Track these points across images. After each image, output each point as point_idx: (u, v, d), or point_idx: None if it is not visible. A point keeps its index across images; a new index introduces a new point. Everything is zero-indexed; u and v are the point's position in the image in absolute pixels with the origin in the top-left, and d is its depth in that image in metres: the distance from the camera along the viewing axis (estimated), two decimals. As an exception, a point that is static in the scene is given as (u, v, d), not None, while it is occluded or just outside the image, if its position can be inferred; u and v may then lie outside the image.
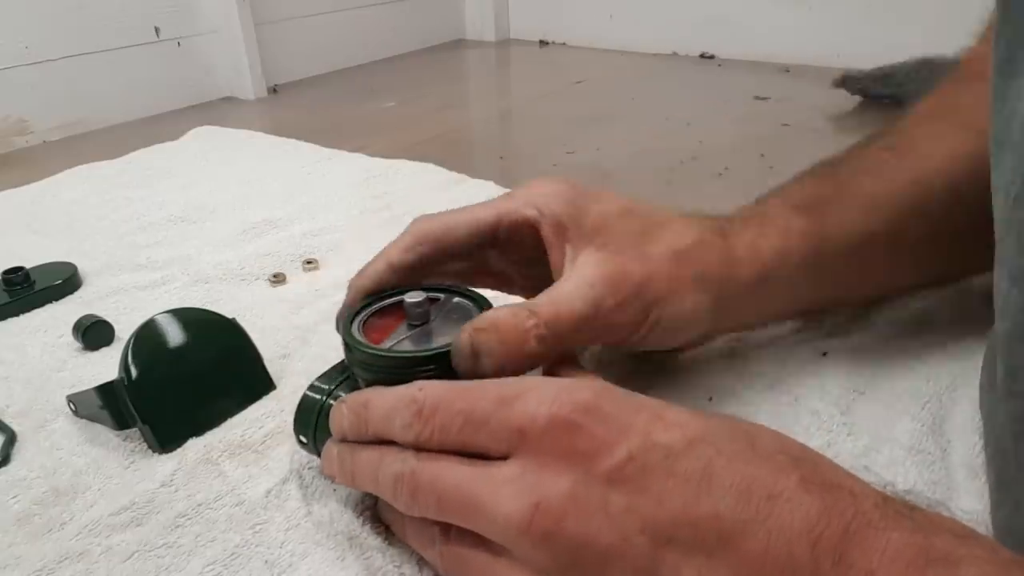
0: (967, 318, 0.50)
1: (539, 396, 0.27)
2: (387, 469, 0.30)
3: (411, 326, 0.36)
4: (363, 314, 0.37)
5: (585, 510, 0.25)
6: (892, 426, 0.41)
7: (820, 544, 0.23)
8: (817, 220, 0.44)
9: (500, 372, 0.33)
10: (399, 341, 0.35)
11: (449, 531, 0.30)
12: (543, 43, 1.74)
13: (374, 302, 0.38)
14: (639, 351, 0.45)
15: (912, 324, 0.51)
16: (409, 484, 0.29)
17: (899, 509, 0.24)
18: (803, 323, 0.52)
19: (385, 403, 0.31)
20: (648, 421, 0.26)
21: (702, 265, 0.40)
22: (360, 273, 0.41)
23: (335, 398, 0.37)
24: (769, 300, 0.44)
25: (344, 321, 0.37)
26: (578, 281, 0.37)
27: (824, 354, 0.48)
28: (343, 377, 0.38)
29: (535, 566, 0.26)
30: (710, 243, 0.41)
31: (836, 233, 0.43)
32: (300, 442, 0.39)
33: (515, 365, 0.33)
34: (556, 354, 0.36)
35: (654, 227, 0.40)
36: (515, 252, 0.42)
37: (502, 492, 0.26)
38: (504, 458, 0.27)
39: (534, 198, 0.40)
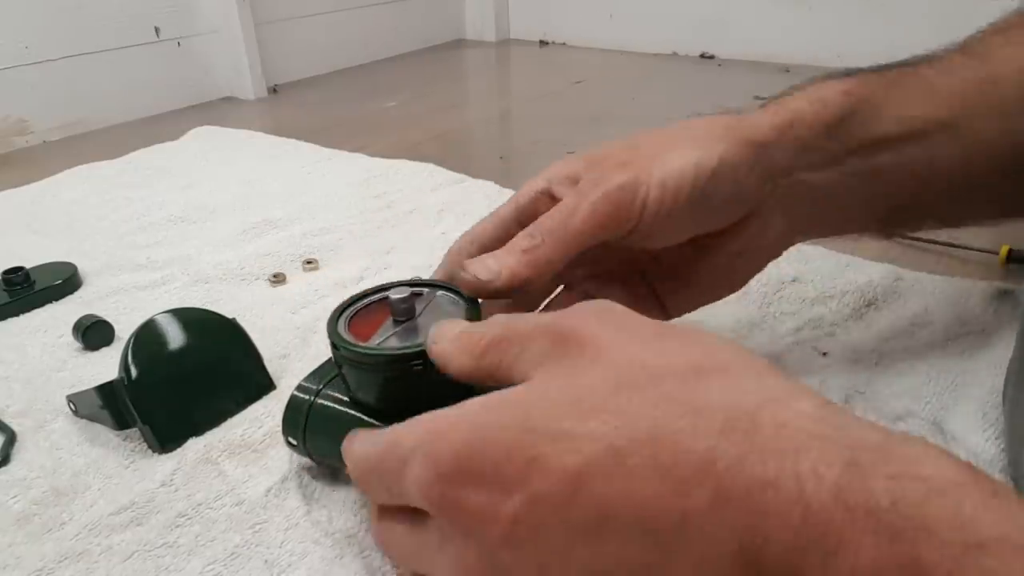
0: (967, 318, 0.50)
1: (415, 471, 0.25)
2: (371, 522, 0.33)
3: (396, 322, 0.36)
4: (349, 311, 0.37)
5: None
6: (892, 426, 0.41)
7: (760, 568, 0.19)
8: (865, 88, 0.40)
9: (495, 279, 0.35)
10: (385, 338, 0.35)
11: None
12: (543, 43, 1.74)
13: (359, 299, 0.38)
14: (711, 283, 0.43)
15: (912, 324, 0.51)
16: (376, 540, 0.32)
17: (877, 494, 0.18)
18: (803, 323, 0.52)
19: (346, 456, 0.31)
20: (522, 469, 0.23)
21: (704, 125, 0.39)
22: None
23: (324, 397, 0.37)
24: (813, 169, 0.39)
25: (330, 319, 0.36)
26: (567, 195, 0.37)
27: (824, 354, 0.48)
28: (332, 376, 0.38)
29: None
30: (716, 117, 0.40)
31: (889, 104, 0.39)
32: (289, 444, 0.39)
33: (511, 267, 0.35)
34: (559, 257, 0.36)
35: (655, 131, 0.40)
36: None
37: (436, 563, 0.27)
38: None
39: (542, 174, 0.40)
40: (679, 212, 0.36)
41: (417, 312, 0.36)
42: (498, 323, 0.30)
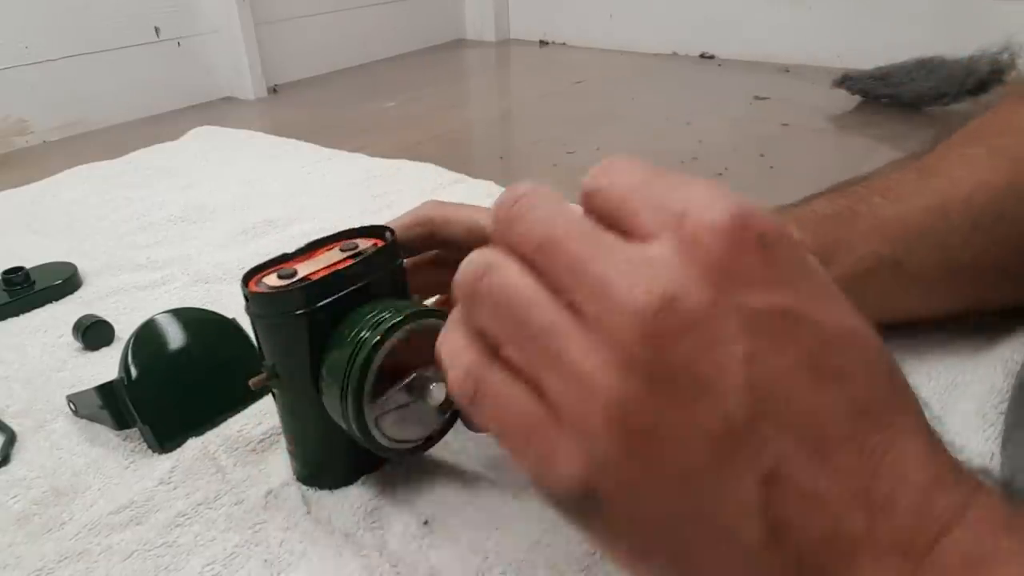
0: (967, 319, 0.50)
1: (712, 194, 0.22)
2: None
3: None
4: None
5: (712, 336, 0.20)
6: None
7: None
8: (816, 233, 0.43)
9: None
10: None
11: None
12: (543, 43, 1.74)
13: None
14: None
15: (912, 324, 0.50)
16: (543, 249, 0.23)
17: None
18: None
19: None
20: (815, 294, 0.22)
21: None
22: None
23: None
24: None
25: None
26: None
27: (824, 354, 0.48)
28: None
29: (624, 358, 0.21)
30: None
31: (837, 249, 0.43)
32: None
33: None
34: None
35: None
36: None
37: (638, 272, 0.21)
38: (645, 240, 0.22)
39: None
40: None
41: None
42: None
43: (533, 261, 0.23)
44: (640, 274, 0.21)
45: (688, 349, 0.20)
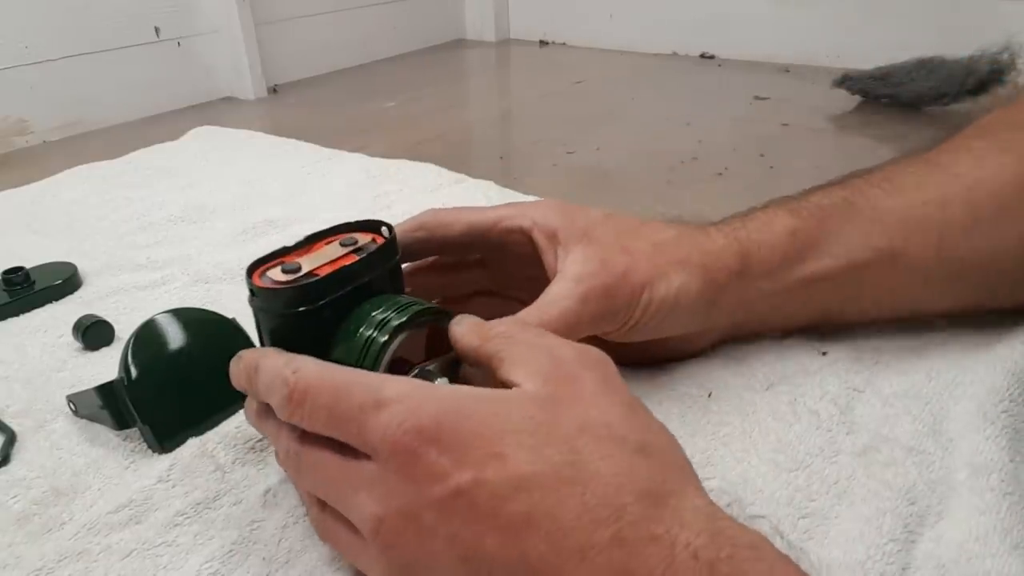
0: (967, 318, 0.50)
1: (390, 415, 0.28)
2: (281, 443, 0.33)
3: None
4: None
5: (418, 531, 0.27)
6: (892, 426, 0.41)
7: None
8: (810, 223, 0.43)
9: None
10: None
11: (325, 505, 0.32)
12: (543, 43, 1.74)
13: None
14: (642, 356, 0.46)
15: (912, 324, 0.50)
16: (294, 463, 0.32)
17: (719, 557, 0.24)
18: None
19: (266, 375, 0.33)
20: (484, 456, 0.27)
21: (682, 252, 0.42)
22: None
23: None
24: (757, 295, 0.44)
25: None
26: (564, 282, 0.40)
27: (824, 354, 0.48)
28: None
29: (381, 565, 0.29)
30: (688, 234, 0.44)
31: (830, 240, 0.43)
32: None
33: None
34: None
35: (635, 227, 0.44)
36: (505, 258, 0.45)
37: (360, 495, 0.29)
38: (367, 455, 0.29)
39: (528, 210, 0.44)
40: (648, 327, 0.42)
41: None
42: (514, 323, 0.35)
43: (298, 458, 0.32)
44: (364, 495, 0.29)
45: (408, 549, 0.28)
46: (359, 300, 0.37)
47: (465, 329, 0.34)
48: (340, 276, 0.37)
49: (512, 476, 0.26)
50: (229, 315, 0.49)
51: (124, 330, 0.55)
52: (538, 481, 0.26)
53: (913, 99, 1.07)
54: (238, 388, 0.36)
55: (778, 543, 0.35)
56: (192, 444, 0.43)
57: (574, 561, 0.25)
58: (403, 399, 0.28)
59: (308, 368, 0.31)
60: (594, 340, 0.44)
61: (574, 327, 0.39)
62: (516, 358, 0.31)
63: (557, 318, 0.38)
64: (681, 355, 0.48)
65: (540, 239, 0.42)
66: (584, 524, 0.25)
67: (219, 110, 1.28)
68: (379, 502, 0.28)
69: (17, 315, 0.59)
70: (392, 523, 0.28)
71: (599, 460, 0.27)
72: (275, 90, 1.39)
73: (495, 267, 0.47)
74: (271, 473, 0.41)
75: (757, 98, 1.21)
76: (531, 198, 0.76)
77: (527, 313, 0.39)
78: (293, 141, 1.00)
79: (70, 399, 0.46)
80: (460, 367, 0.40)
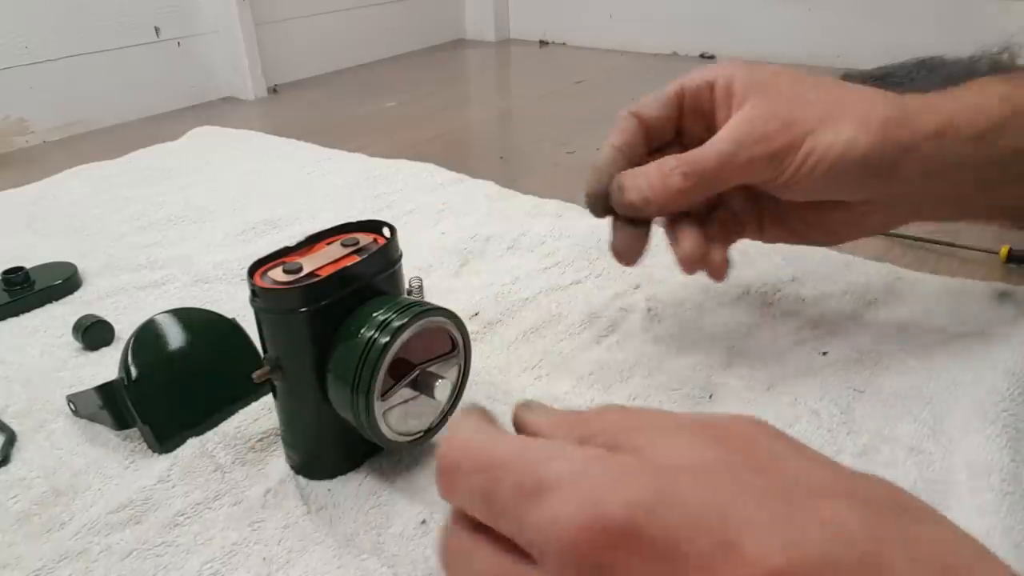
0: (967, 318, 0.50)
1: (562, 501, 0.20)
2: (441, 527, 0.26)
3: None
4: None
5: None
6: (892, 426, 0.41)
7: None
8: (1021, 90, 0.40)
9: (647, 206, 0.42)
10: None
11: None
12: (543, 43, 1.74)
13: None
14: (806, 228, 0.46)
15: (912, 324, 0.51)
16: (443, 545, 0.25)
17: None
18: (803, 323, 0.52)
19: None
20: (710, 554, 0.18)
21: (862, 106, 0.40)
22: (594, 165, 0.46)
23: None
24: (957, 163, 0.40)
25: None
26: (726, 127, 0.41)
27: (824, 354, 0.48)
28: None
29: None
30: (880, 94, 0.41)
31: None
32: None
33: (662, 199, 0.42)
34: (704, 194, 0.42)
35: (820, 82, 0.43)
36: (700, 120, 0.46)
37: None
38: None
39: (712, 69, 0.45)
40: (808, 180, 0.40)
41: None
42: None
43: None
44: None
45: None
46: (360, 301, 0.38)
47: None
48: (342, 276, 0.37)
49: (758, 572, 0.18)
50: (229, 315, 0.49)
51: (124, 330, 0.55)
52: (798, 572, 0.18)
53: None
54: None
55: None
56: (192, 444, 0.43)
57: None
58: (575, 478, 0.20)
59: (460, 438, 0.24)
60: (752, 199, 0.47)
61: (726, 167, 0.40)
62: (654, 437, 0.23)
63: (711, 157, 0.40)
64: (846, 234, 0.46)
65: (719, 95, 0.43)
66: None
67: (219, 110, 1.28)
68: None
69: (17, 315, 0.59)
70: None
71: (871, 531, 0.19)
72: (275, 90, 1.38)
73: (683, 145, 0.47)
74: (271, 473, 0.41)
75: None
76: (531, 198, 0.76)
77: (686, 155, 0.41)
78: (293, 141, 1.00)
79: (70, 399, 0.46)
80: (467, 365, 0.40)
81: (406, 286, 0.43)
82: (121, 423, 0.44)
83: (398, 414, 0.38)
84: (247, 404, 0.46)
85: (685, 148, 0.44)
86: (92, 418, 0.46)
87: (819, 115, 0.40)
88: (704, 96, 0.44)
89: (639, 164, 0.45)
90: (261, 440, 0.43)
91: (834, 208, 0.43)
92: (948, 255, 0.62)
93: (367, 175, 0.85)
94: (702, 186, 0.42)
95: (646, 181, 0.42)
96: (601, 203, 0.45)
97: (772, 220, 0.47)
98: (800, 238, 0.47)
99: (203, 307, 0.50)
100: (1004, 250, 0.60)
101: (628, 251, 0.45)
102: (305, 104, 1.31)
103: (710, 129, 0.44)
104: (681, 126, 0.47)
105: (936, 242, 0.63)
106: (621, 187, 0.43)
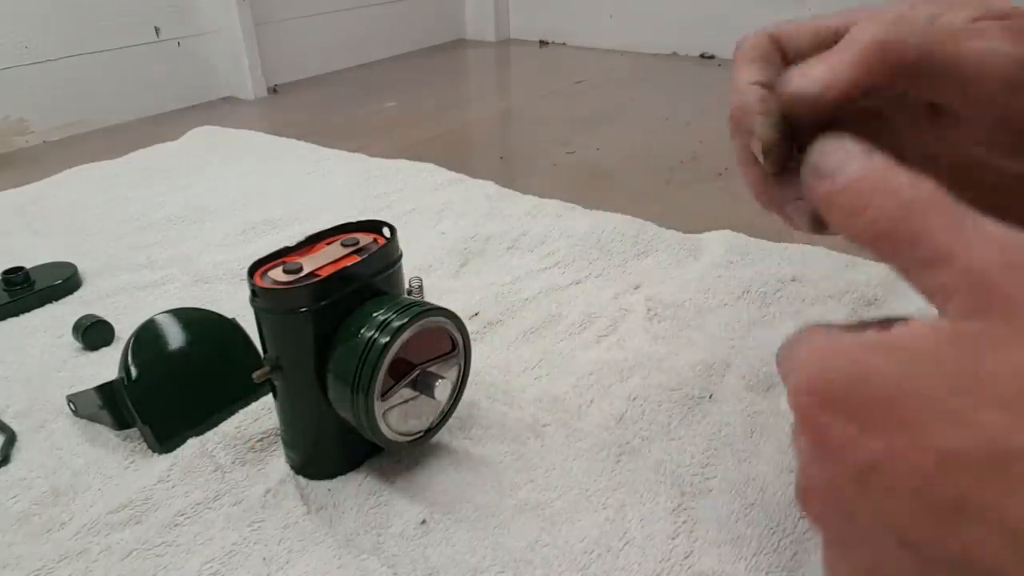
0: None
1: (797, 376, 0.23)
2: None
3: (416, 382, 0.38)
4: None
5: (838, 506, 0.23)
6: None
7: None
8: None
9: (827, 91, 0.32)
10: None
11: None
12: (543, 43, 1.74)
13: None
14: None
15: (912, 324, 0.50)
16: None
17: None
18: (803, 323, 0.52)
19: None
20: (893, 424, 0.21)
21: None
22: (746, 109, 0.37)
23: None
24: None
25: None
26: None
27: (824, 354, 0.48)
28: None
29: (822, 540, 0.25)
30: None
31: None
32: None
33: (842, 80, 0.32)
34: (890, 76, 0.33)
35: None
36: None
37: (798, 463, 0.25)
38: None
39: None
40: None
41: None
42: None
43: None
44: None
45: (835, 530, 0.23)
46: (360, 300, 0.38)
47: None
48: (342, 277, 0.37)
49: (929, 451, 0.20)
50: (229, 315, 0.49)
51: (124, 330, 0.55)
52: (966, 461, 0.20)
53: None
54: None
55: (779, 543, 0.35)
56: (192, 444, 0.43)
57: None
58: (811, 355, 0.23)
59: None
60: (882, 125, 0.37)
61: (852, 81, 0.33)
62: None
63: (834, 67, 0.33)
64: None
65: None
66: None
67: (219, 110, 1.28)
68: (802, 473, 0.24)
69: (17, 315, 0.59)
70: (812, 497, 0.24)
71: None
72: (275, 90, 1.39)
73: None
74: (271, 473, 0.41)
75: (757, 98, 1.21)
76: (531, 198, 0.76)
77: (807, 64, 0.34)
78: (293, 141, 1.00)
79: (70, 399, 0.46)
80: (467, 365, 0.40)
81: (406, 286, 0.43)
82: (121, 423, 0.44)
83: (398, 414, 0.38)
84: (247, 404, 0.46)
85: None
86: (92, 418, 0.46)
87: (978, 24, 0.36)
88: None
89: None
90: (261, 440, 0.43)
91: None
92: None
93: (367, 175, 0.85)
94: (889, 67, 0.33)
95: (821, 65, 0.34)
96: (782, 148, 0.37)
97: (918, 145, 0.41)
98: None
99: (203, 307, 0.50)
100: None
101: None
102: (305, 104, 1.32)
103: None
104: None
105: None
106: (788, 82, 0.35)
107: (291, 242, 0.39)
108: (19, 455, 0.44)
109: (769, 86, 0.37)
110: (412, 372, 0.37)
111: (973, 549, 0.20)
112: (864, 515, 0.22)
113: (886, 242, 0.23)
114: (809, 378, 0.23)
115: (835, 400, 0.22)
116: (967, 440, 0.20)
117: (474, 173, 0.84)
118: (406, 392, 0.38)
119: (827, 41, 0.37)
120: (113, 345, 0.55)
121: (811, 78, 0.35)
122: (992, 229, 0.22)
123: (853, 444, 0.22)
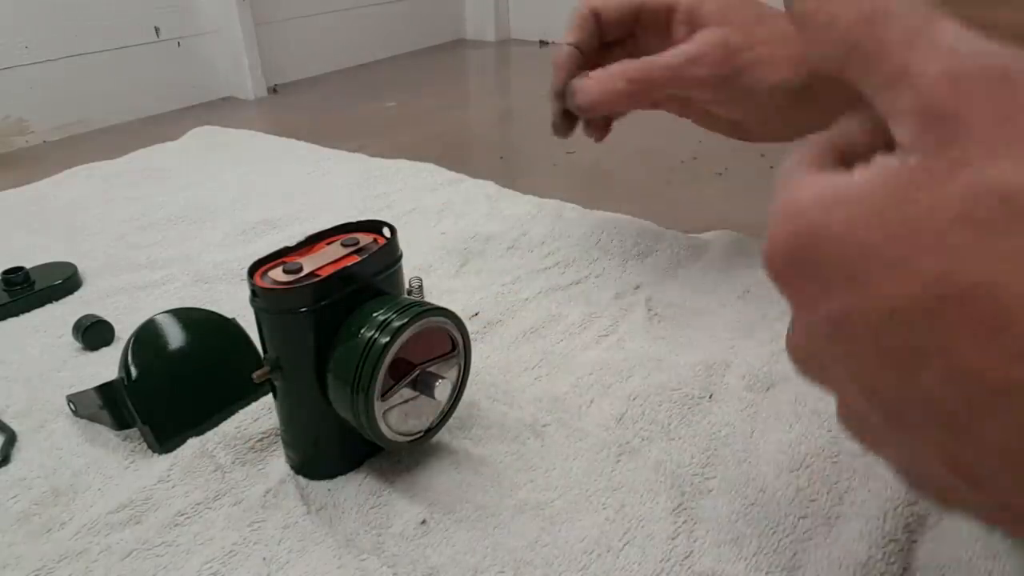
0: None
1: (770, 235, 0.23)
2: None
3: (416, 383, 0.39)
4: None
5: (816, 356, 0.24)
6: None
7: None
8: None
9: (596, 107, 0.51)
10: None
11: None
12: (543, 43, 1.74)
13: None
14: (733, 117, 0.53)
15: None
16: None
17: None
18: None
19: None
20: (843, 282, 0.21)
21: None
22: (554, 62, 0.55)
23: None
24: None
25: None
26: (680, 47, 0.48)
27: (824, 354, 0.48)
28: None
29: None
30: None
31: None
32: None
33: (607, 101, 0.50)
34: (646, 100, 0.52)
35: (773, 16, 0.49)
36: (655, 34, 0.53)
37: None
38: None
39: None
40: (748, 110, 0.51)
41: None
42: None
43: None
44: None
45: (817, 377, 0.24)
46: (360, 301, 0.38)
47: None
48: (342, 277, 0.37)
49: (877, 305, 0.20)
50: (229, 315, 0.49)
51: (124, 330, 0.55)
52: (910, 310, 0.19)
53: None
54: None
55: (779, 543, 0.35)
56: (192, 444, 0.43)
57: (993, 412, 0.19)
58: (779, 212, 0.23)
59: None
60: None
61: (671, 80, 0.47)
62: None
63: (659, 68, 0.47)
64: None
65: (680, 17, 0.49)
66: (993, 358, 0.18)
67: (219, 110, 1.28)
68: (792, 325, 0.25)
69: (17, 315, 0.59)
70: (793, 349, 0.25)
71: (997, 263, 0.18)
72: (275, 90, 1.39)
73: (637, 46, 0.55)
74: (271, 473, 0.41)
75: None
76: (531, 198, 0.76)
77: (635, 63, 0.48)
78: (293, 141, 1.00)
79: (70, 399, 0.46)
80: (467, 365, 0.40)
81: (406, 286, 0.43)
82: (121, 423, 0.44)
83: (398, 414, 0.38)
84: (247, 404, 0.46)
85: (631, 55, 0.52)
86: (92, 418, 0.46)
87: (766, 53, 0.46)
88: (661, 16, 0.52)
89: (594, 58, 0.53)
90: (261, 440, 0.43)
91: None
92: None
93: (367, 175, 0.85)
94: (644, 93, 0.50)
95: (595, 86, 0.50)
96: (561, 101, 0.54)
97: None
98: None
99: (203, 307, 0.50)
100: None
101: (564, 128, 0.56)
102: (305, 104, 1.31)
103: (663, 44, 0.50)
104: (635, 32, 0.54)
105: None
106: (572, 92, 0.52)
107: (291, 242, 0.39)
108: (19, 455, 0.44)
109: (579, 47, 0.54)
110: (412, 372, 0.37)
111: (932, 395, 0.20)
112: (836, 368, 0.23)
113: (848, 63, 0.22)
114: (773, 239, 0.22)
115: (797, 261, 0.22)
116: (907, 288, 0.19)
117: (474, 173, 0.84)
118: (406, 392, 0.38)
119: (628, 12, 0.53)
120: (113, 345, 0.55)
121: (584, 93, 0.51)
122: (949, 37, 0.20)
123: (814, 303, 0.22)
